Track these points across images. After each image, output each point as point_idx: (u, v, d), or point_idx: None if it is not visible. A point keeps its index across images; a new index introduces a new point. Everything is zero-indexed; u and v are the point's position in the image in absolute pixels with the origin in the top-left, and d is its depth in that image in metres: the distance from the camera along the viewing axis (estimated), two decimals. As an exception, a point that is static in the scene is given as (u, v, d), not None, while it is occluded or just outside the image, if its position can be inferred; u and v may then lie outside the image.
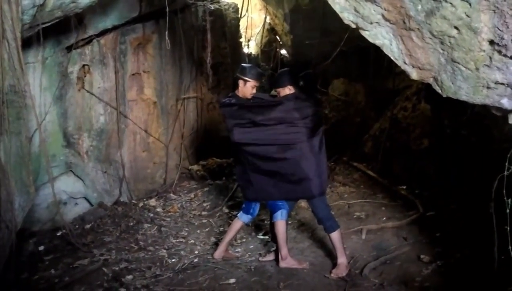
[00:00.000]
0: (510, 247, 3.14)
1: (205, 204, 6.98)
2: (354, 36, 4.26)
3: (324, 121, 6.08)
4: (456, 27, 2.81)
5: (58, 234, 5.60)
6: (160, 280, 4.54)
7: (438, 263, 4.41)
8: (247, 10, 9.83)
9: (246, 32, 11.12)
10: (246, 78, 4.70)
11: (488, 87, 2.92)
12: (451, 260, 4.44)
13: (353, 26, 3.24)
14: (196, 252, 5.27)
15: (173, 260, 5.07)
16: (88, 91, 6.19)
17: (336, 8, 3.19)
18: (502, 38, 2.68)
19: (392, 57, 3.23)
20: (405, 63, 3.20)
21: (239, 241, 5.54)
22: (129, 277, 4.59)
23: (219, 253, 5.00)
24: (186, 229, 6.05)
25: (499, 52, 2.75)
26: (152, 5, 6.57)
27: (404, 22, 2.98)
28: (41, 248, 5.32)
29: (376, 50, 3.48)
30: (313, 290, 4.27)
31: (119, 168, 6.78)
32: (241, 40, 10.67)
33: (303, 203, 5.93)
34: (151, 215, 6.48)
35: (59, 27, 5.11)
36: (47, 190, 5.46)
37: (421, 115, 7.12)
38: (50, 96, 5.70)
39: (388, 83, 8.32)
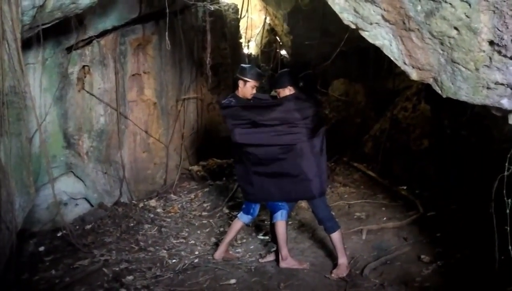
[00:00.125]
0: (510, 247, 3.15)
1: (205, 205, 6.99)
2: (354, 37, 4.26)
3: (325, 121, 6.08)
4: (455, 28, 2.82)
5: (59, 234, 5.60)
6: (161, 281, 4.54)
7: (439, 263, 4.42)
8: (247, 11, 9.84)
9: (246, 32, 11.14)
10: (246, 79, 4.71)
11: (488, 88, 2.92)
12: (452, 260, 4.44)
13: (353, 26, 3.24)
14: (197, 253, 5.27)
15: (174, 260, 5.07)
16: (88, 92, 6.19)
17: (336, 9, 3.20)
18: (502, 39, 2.68)
19: (392, 58, 3.23)
20: (405, 63, 3.20)
21: (239, 242, 5.54)
22: (130, 277, 4.58)
23: (219, 254, 5.00)
24: (187, 230, 6.05)
25: (499, 52, 2.75)
26: (152, 6, 6.57)
27: (404, 23, 2.98)
28: (42, 248, 5.32)
29: (376, 51, 3.48)
30: (313, 290, 4.27)
31: (120, 168, 6.78)
32: (241, 40, 10.69)
33: (303, 204, 5.93)
34: (152, 215, 6.48)
35: (59, 28, 5.11)
36: (48, 191, 5.45)
37: (421, 116, 7.13)
38: (50, 97, 5.70)
39: (388, 83, 8.32)
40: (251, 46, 12.12)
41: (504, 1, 2.59)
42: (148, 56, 7.14)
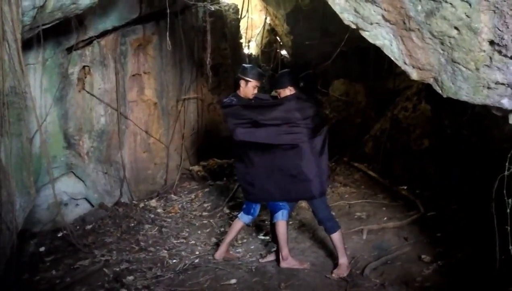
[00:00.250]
0: (511, 247, 3.15)
1: (205, 205, 6.99)
2: (354, 37, 4.26)
3: (326, 121, 6.07)
4: (456, 28, 2.82)
5: (59, 235, 5.60)
6: (161, 281, 4.54)
7: (439, 263, 4.42)
8: (247, 11, 9.83)
9: (246, 33, 11.14)
10: (248, 79, 4.71)
11: (489, 88, 2.92)
12: (452, 260, 4.44)
13: (353, 26, 3.24)
14: (197, 253, 5.27)
15: (174, 260, 5.07)
16: (88, 93, 6.20)
17: (336, 9, 3.20)
18: (502, 39, 2.69)
19: (392, 58, 3.23)
20: (405, 63, 3.20)
21: (240, 242, 5.54)
22: (130, 277, 4.59)
23: (220, 254, 5.00)
24: (187, 230, 6.05)
25: (499, 52, 2.75)
26: (152, 6, 6.57)
27: (404, 23, 2.98)
28: (42, 249, 5.32)
29: (377, 51, 3.49)
30: (314, 290, 4.27)
31: (120, 168, 6.78)
32: (241, 41, 10.68)
33: (304, 203, 5.93)
34: (152, 215, 6.48)
35: (59, 29, 5.11)
36: (48, 191, 5.46)
37: (421, 116, 7.13)
38: (50, 98, 5.71)
39: (389, 83, 8.32)
40: (251, 46, 12.12)
41: (505, 1, 2.59)
42: (148, 57, 7.14)
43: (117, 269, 4.79)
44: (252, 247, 5.41)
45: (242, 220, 4.92)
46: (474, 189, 5.30)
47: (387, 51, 3.22)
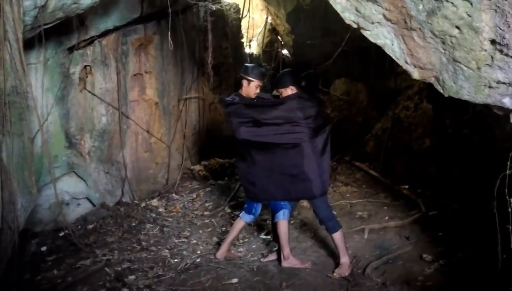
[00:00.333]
0: (512, 246, 3.15)
1: (207, 204, 6.99)
2: (355, 36, 4.27)
3: (328, 121, 6.06)
4: (457, 27, 2.81)
5: (61, 234, 5.61)
6: (163, 280, 4.55)
7: (441, 262, 4.42)
8: (248, 11, 9.82)
9: (247, 32, 11.13)
10: (250, 78, 4.71)
11: (490, 87, 2.92)
12: (454, 259, 4.44)
13: (354, 26, 3.24)
14: (199, 252, 5.27)
15: (176, 260, 5.08)
16: (90, 92, 6.20)
17: (337, 8, 3.20)
18: (504, 38, 2.68)
19: (393, 57, 3.23)
20: (406, 63, 3.20)
21: (241, 241, 5.54)
22: (132, 277, 4.59)
23: (221, 253, 5.00)
24: (189, 229, 6.06)
25: (501, 51, 2.75)
26: (153, 6, 6.57)
27: (406, 22, 2.98)
28: (44, 248, 5.33)
29: (378, 50, 3.48)
30: (315, 289, 4.27)
31: (121, 168, 6.79)
32: (242, 40, 10.67)
33: (305, 203, 5.93)
34: (153, 215, 6.49)
35: (60, 28, 5.12)
36: (50, 191, 5.47)
37: (423, 115, 7.12)
38: (52, 97, 5.71)
39: (390, 82, 8.31)
40: (252, 46, 12.12)
41: (506, 0, 2.59)
42: (149, 56, 7.14)
43: (119, 269, 4.80)
44: (254, 246, 5.41)
45: (243, 219, 4.93)
46: (475, 188, 5.30)
47: (388, 51, 3.22)
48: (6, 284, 4.09)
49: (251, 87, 4.74)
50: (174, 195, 7.35)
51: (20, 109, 4.10)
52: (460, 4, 2.73)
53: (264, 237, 5.61)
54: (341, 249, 4.55)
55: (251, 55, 11.49)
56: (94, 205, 6.40)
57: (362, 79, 9.39)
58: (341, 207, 6.25)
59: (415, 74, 3.21)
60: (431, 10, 2.83)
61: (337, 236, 4.56)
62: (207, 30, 7.32)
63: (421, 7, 2.86)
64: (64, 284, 4.48)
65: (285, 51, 11.54)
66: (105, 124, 6.42)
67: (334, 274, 4.47)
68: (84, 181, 6.30)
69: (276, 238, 4.89)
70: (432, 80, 3.18)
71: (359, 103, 9.42)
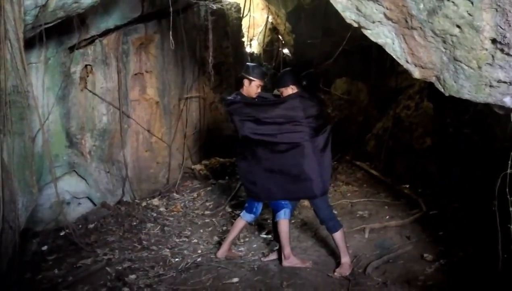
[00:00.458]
0: (512, 246, 3.15)
1: (208, 203, 6.99)
2: (356, 35, 4.27)
3: (329, 120, 6.06)
4: (458, 26, 2.81)
5: (61, 233, 5.61)
6: (163, 280, 4.55)
7: (441, 262, 4.42)
8: (249, 10, 9.84)
9: (248, 31, 11.13)
10: (251, 78, 4.71)
11: (491, 86, 2.92)
12: (454, 258, 4.44)
13: (355, 25, 3.24)
14: (199, 251, 5.27)
15: (176, 259, 5.08)
16: (90, 91, 6.21)
17: (338, 8, 3.20)
18: (505, 37, 2.68)
19: (394, 56, 3.23)
20: (407, 62, 3.20)
21: (242, 240, 5.54)
22: (132, 276, 4.60)
23: (222, 252, 5.00)
24: (189, 228, 6.06)
25: (502, 50, 2.75)
26: (154, 5, 6.57)
27: (406, 21, 2.98)
28: (44, 248, 5.33)
29: (379, 49, 3.48)
30: (316, 289, 4.27)
31: (122, 167, 6.79)
32: (243, 39, 10.67)
33: (306, 202, 5.93)
34: (154, 214, 6.49)
35: (61, 28, 5.12)
36: (50, 190, 5.47)
37: (424, 114, 7.12)
38: (52, 97, 5.71)
39: (391, 82, 8.30)
40: (253, 45, 12.12)
41: (507, -1, 2.59)
42: (150, 55, 7.14)
43: (120, 268, 4.80)
44: (254, 245, 5.41)
45: (244, 218, 4.93)
46: (476, 188, 5.30)
47: (389, 50, 3.22)
48: (7, 283, 4.09)
49: (252, 87, 4.74)
50: (175, 194, 7.35)
51: (21, 109, 4.10)
52: (461, 3, 2.73)
53: (265, 236, 5.61)
54: (342, 248, 4.55)
55: (251, 54, 11.49)
56: (95, 204, 6.41)
57: (363, 78, 9.38)
58: (341, 206, 6.25)
59: (416, 73, 3.21)
60: (432, 9, 2.83)
61: (338, 236, 4.56)
62: (208, 29, 7.32)
63: (422, 6, 2.85)
64: (65, 284, 4.48)
65: (285, 51, 11.54)
66: (105, 124, 6.42)
67: (335, 273, 4.47)
68: (85, 180, 6.30)
69: (277, 237, 4.89)
70: (433, 79, 3.18)
71: (359, 102, 9.42)
